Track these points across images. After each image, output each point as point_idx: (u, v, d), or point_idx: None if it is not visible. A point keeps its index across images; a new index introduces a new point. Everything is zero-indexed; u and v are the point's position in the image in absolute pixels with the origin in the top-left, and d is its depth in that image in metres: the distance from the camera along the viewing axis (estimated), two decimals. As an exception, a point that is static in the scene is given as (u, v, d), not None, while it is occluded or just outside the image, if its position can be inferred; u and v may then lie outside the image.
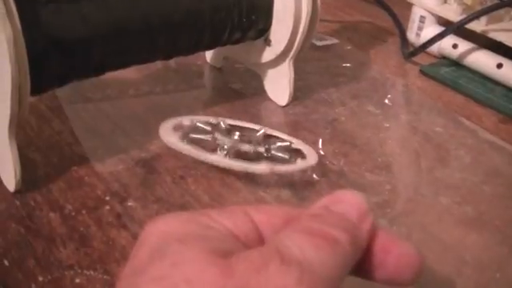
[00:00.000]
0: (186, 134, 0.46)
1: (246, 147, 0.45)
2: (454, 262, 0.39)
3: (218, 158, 0.43)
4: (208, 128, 0.47)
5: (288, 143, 0.47)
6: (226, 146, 0.44)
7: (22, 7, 0.37)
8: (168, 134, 0.45)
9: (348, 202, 0.26)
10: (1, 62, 0.36)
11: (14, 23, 0.35)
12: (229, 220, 0.24)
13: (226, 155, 0.44)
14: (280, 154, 0.45)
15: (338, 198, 0.26)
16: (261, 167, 0.43)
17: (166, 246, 0.22)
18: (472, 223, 0.42)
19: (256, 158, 0.45)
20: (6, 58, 0.35)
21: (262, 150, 0.45)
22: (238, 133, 0.46)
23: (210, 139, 0.46)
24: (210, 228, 0.23)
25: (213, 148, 0.45)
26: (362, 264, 0.25)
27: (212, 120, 0.48)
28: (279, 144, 0.47)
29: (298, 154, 0.46)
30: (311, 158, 0.45)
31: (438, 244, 0.40)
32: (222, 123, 0.47)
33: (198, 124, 0.47)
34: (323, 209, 0.25)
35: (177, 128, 0.46)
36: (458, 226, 0.42)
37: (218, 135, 0.46)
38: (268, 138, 0.48)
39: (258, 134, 0.47)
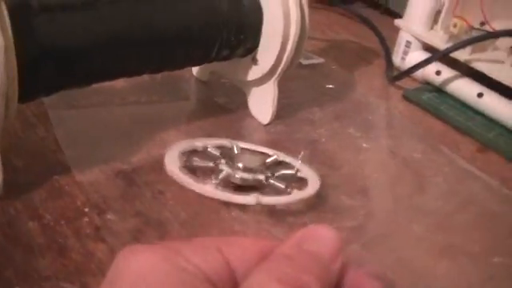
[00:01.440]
0: (189, 159, 0.46)
1: (245, 175, 0.45)
2: (423, 291, 0.40)
3: (206, 188, 0.44)
4: (217, 153, 0.47)
5: (294, 171, 0.47)
6: (220, 176, 0.45)
7: (15, 16, 0.37)
8: (171, 160, 0.46)
9: (321, 239, 0.26)
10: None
11: (6, 33, 0.36)
12: (201, 259, 0.24)
13: (217, 184, 0.44)
14: (277, 184, 0.45)
15: (311, 235, 0.27)
16: (247, 198, 0.43)
17: None
18: (443, 252, 0.43)
19: (253, 185, 0.45)
20: (-5, 67, 0.36)
21: (261, 177, 0.45)
22: (241, 164, 0.46)
23: (212, 165, 0.46)
24: (184, 271, 0.24)
25: (213, 174, 0.45)
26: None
27: (226, 143, 0.49)
28: (284, 172, 0.47)
29: (301, 182, 0.46)
30: (308, 191, 0.45)
31: (409, 271, 0.41)
32: (235, 147, 0.48)
33: (209, 148, 0.48)
34: (296, 248, 0.26)
35: (184, 153, 0.47)
36: (430, 254, 0.43)
37: (222, 162, 0.46)
38: (278, 164, 0.48)
39: (269, 159, 0.48)
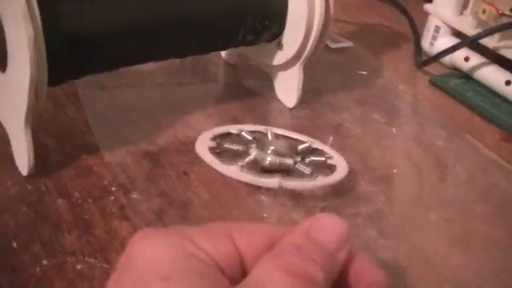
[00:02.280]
0: (221, 142, 0.48)
1: (273, 159, 0.46)
2: (435, 278, 0.41)
3: (231, 169, 0.45)
4: (250, 138, 0.49)
5: (324, 159, 0.48)
6: (247, 159, 0.46)
7: (43, 4, 0.39)
8: (202, 141, 0.48)
9: (328, 229, 0.27)
10: (20, 59, 0.38)
11: (36, 23, 0.37)
12: (212, 246, 0.26)
13: (243, 166, 0.45)
14: (303, 169, 0.46)
15: (319, 224, 0.27)
16: (271, 181, 0.45)
17: (150, 283, 0.24)
18: (458, 242, 0.44)
19: (280, 169, 0.46)
20: (25, 56, 0.37)
21: (289, 162, 0.46)
22: (272, 147, 0.46)
23: (243, 149, 0.47)
24: (194, 258, 0.25)
25: (241, 157, 0.47)
26: (336, 285, 0.27)
27: (261, 129, 0.50)
28: (314, 158, 0.48)
29: (329, 169, 0.47)
30: (333, 178, 0.46)
31: (422, 259, 0.42)
32: (269, 133, 0.49)
33: (243, 133, 0.49)
34: (303, 237, 0.27)
35: (217, 136, 0.49)
36: (445, 244, 0.44)
37: (253, 146, 0.47)
38: (311, 151, 0.49)
39: (302, 146, 0.49)
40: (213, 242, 0.26)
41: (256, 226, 0.29)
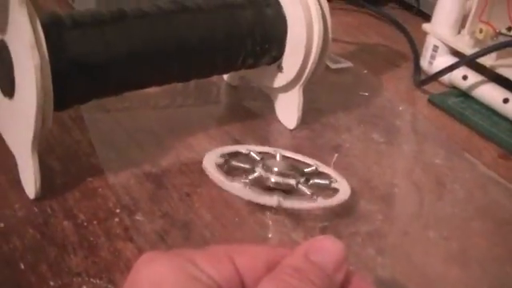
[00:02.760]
0: (228, 160, 0.49)
1: (277, 178, 0.47)
2: (433, 296, 0.42)
3: (234, 185, 0.46)
4: (257, 158, 0.50)
5: (328, 182, 0.49)
6: (250, 176, 0.47)
7: (49, 33, 0.40)
8: (209, 158, 0.49)
9: (326, 250, 0.28)
10: (27, 86, 0.39)
11: (42, 51, 0.39)
12: (213, 268, 0.27)
13: (246, 184, 0.46)
14: (304, 190, 0.47)
15: (318, 246, 0.29)
16: (270, 200, 0.46)
17: None
18: (456, 259, 0.45)
19: (284, 189, 0.47)
20: (32, 84, 0.39)
21: (292, 182, 0.47)
22: (276, 169, 0.47)
23: (249, 167, 0.49)
24: (197, 280, 0.26)
25: (245, 174, 0.48)
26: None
27: (270, 150, 0.52)
28: (318, 181, 0.49)
29: (332, 191, 0.48)
30: (332, 201, 0.47)
31: (421, 277, 0.43)
32: (277, 155, 0.51)
33: (251, 153, 0.51)
34: (302, 258, 0.28)
35: (226, 154, 0.50)
36: (442, 261, 0.45)
37: (259, 165, 0.48)
38: (316, 174, 0.50)
39: (308, 169, 0.50)
40: (214, 264, 0.27)
41: (256, 248, 0.30)
